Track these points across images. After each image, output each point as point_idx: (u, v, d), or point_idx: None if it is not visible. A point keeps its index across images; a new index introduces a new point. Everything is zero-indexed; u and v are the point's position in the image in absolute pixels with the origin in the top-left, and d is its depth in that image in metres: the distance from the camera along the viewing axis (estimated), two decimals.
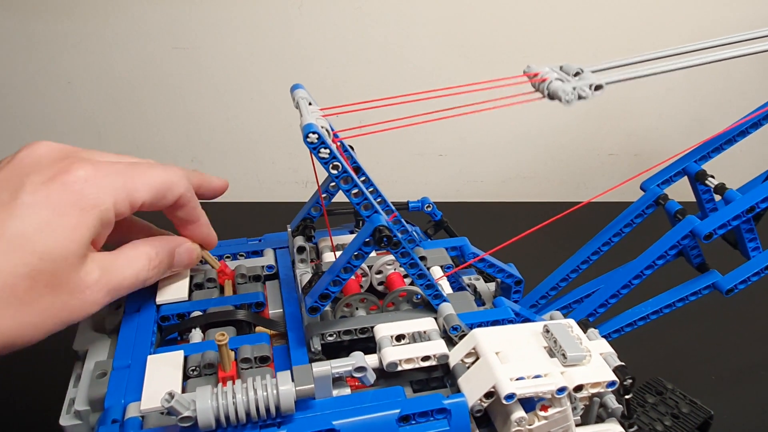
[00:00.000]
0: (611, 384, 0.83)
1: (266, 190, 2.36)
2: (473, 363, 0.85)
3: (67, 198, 0.79)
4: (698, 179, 1.23)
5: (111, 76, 2.15)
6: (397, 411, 0.78)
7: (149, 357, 0.88)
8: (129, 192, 0.86)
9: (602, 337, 0.92)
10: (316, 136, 0.80)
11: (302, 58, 2.11)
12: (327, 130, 0.83)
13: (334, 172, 0.83)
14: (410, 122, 0.99)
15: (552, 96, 0.97)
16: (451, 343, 0.89)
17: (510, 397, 0.77)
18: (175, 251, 0.99)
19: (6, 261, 0.75)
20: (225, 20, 2.06)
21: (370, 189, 1.02)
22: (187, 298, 1.01)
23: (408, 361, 0.85)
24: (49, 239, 0.77)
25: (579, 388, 0.81)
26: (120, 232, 0.91)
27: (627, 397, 0.86)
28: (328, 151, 0.81)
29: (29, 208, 0.77)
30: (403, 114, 0.99)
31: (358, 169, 1.01)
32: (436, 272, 1.08)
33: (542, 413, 0.80)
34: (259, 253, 1.14)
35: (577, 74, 0.99)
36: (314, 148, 0.81)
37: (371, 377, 0.82)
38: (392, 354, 0.85)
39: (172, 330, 0.97)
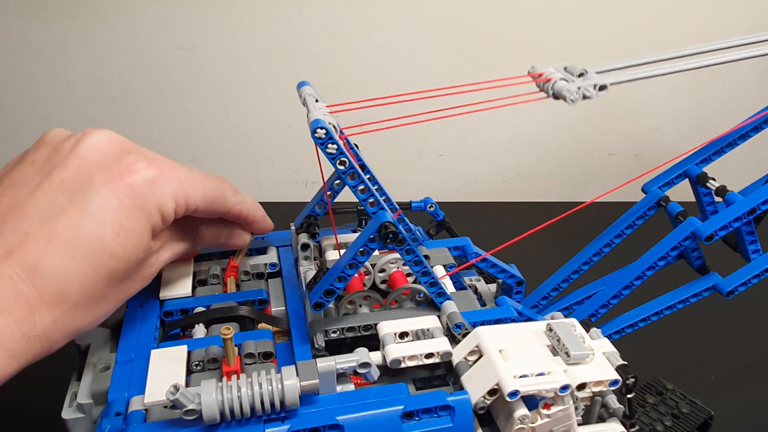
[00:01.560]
0: (614, 383, 0.83)
1: (266, 190, 2.35)
2: (476, 361, 0.85)
3: (135, 201, 0.82)
4: (699, 182, 1.24)
5: (111, 76, 2.15)
6: (401, 407, 0.78)
7: (153, 351, 0.88)
8: (187, 197, 0.88)
9: (603, 337, 0.93)
10: (324, 131, 0.80)
11: (302, 57, 2.12)
12: (334, 126, 0.84)
13: (341, 167, 0.84)
14: (413, 121, 1.00)
15: (557, 96, 0.97)
16: (454, 340, 0.90)
17: (513, 394, 0.77)
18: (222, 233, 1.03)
19: (88, 266, 0.78)
20: (225, 20, 2.06)
21: (375, 187, 1.02)
22: (190, 294, 1.02)
23: (411, 358, 0.85)
24: (123, 242, 0.80)
25: (582, 387, 0.82)
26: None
27: (629, 396, 0.86)
28: (335, 146, 0.81)
29: (101, 211, 0.79)
30: (404, 114, 0.99)
31: (363, 167, 1.02)
32: (439, 271, 1.08)
33: (545, 411, 0.80)
34: (262, 251, 1.15)
35: (581, 75, 1.00)
36: (322, 144, 0.81)
37: (375, 374, 0.82)
38: (396, 351, 0.86)
39: (175, 325, 0.98)
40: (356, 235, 1.13)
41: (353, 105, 0.96)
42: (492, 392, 0.80)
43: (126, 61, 2.12)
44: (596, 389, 0.83)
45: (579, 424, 0.85)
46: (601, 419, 0.87)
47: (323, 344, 0.90)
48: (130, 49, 2.10)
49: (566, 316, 1.03)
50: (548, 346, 0.86)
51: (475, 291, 1.18)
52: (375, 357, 0.86)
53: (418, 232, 1.18)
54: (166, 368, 0.85)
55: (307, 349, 0.91)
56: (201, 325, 0.96)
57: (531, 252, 1.37)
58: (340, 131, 0.92)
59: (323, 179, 1.02)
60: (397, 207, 1.07)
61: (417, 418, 0.79)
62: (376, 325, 0.91)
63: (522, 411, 0.79)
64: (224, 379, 0.76)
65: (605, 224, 1.29)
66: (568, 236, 1.51)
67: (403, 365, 0.85)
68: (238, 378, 0.75)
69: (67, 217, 0.78)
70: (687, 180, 1.26)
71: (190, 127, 2.25)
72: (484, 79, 1.02)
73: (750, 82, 2.20)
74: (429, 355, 0.86)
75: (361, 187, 0.87)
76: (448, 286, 1.06)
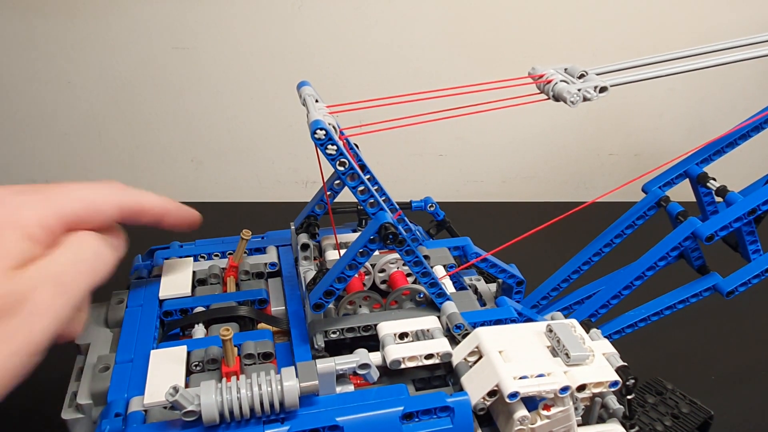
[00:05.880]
0: (614, 384, 0.83)
1: (266, 190, 2.36)
2: (476, 362, 0.85)
3: None
4: (700, 182, 1.24)
5: (111, 76, 2.15)
6: (401, 408, 0.78)
7: (152, 352, 0.88)
8: (54, 207, 0.78)
9: (603, 337, 0.92)
10: (323, 132, 0.80)
11: (302, 57, 2.12)
12: (334, 127, 0.83)
13: (341, 168, 0.84)
14: (413, 122, 1.00)
15: (557, 97, 0.98)
16: (454, 341, 0.90)
17: (513, 395, 0.77)
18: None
19: None
20: (225, 20, 2.06)
21: (375, 187, 1.02)
22: (190, 294, 1.02)
23: (411, 359, 0.85)
24: None
25: (582, 388, 0.81)
26: None
27: (629, 397, 0.86)
28: (335, 147, 0.81)
29: None
30: (404, 114, 0.99)
31: (363, 167, 1.02)
32: (439, 271, 1.08)
33: (545, 412, 0.80)
34: (261, 251, 1.15)
35: (581, 76, 1.00)
36: (321, 145, 0.81)
37: (374, 374, 0.82)
38: (396, 352, 0.85)
39: (174, 325, 0.98)
40: (356, 235, 1.13)
41: (353, 105, 0.96)
42: (492, 393, 0.80)
43: (126, 61, 2.12)
44: (596, 390, 0.82)
45: (579, 425, 0.85)
46: (601, 420, 0.87)
47: (323, 345, 0.90)
48: (130, 49, 2.10)
49: (566, 316, 1.03)
50: (548, 347, 0.86)
51: (475, 291, 1.18)
52: (375, 358, 0.85)
53: (418, 232, 1.18)
54: (165, 369, 0.85)
55: (306, 350, 0.91)
56: (201, 324, 0.96)
57: (531, 252, 1.37)
58: (340, 132, 0.92)
59: (323, 179, 1.02)
60: (397, 207, 1.07)
61: (417, 419, 0.79)
62: (375, 325, 0.91)
63: (522, 412, 0.79)
64: (224, 380, 0.76)
65: (605, 224, 1.29)
66: (569, 236, 1.52)
67: (402, 366, 0.85)
68: (238, 379, 0.75)
69: None
70: (687, 180, 1.26)
71: (190, 127, 2.25)
72: (484, 79, 1.02)
73: (750, 82, 2.20)
74: (429, 356, 0.86)
75: (361, 188, 0.87)
76: (448, 286, 1.06)
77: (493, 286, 1.21)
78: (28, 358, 0.70)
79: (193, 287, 1.05)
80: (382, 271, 1.00)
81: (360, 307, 0.95)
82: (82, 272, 0.77)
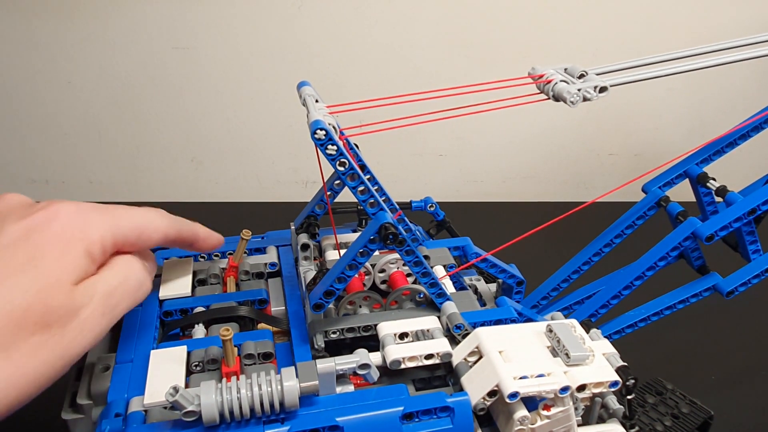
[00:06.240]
0: (614, 384, 0.83)
1: (266, 190, 2.36)
2: (476, 362, 0.85)
3: (49, 234, 0.76)
4: (699, 182, 1.24)
5: (111, 76, 2.15)
6: (401, 408, 0.78)
7: (152, 352, 0.88)
8: (113, 228, 0.81)
9: (603, 337, 0.92)
10: (323, 132, 0.80)
11: (302, 57, 2.12)
12: (334, 127, 0.83)
13: (341, 168, 0.84)
14: (413, 122, 1.00)
15: (557, 97, 0.98)
16: (454, 341, 0.89)
17: (513, 395, 0.77)
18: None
19: None
20: (225, 20, 2.06)
21: (375, 187, 1.03)
22: (190, 294, 1.02)
23: (411, 359, 0.85)
24: (33, 272, 0.72)
25: (582, 388, 0.81)
26: None
27: (629, 397, 0.86)
28: (335, 147, 0.81)
29: (9, 249, 0.73)
30: (404, 114, 0.99)
31: (363, 167, 1.02)
32: (439, 271, 1.08)
33: (545, 412, 0.80)
34: (261, 251, 1.15)
35: (581, 76, 1.00)
36: (321, 145, 0.81)
37: (375, 374, 0.82)
38: (396, 352, 0.85)
39: (174, 325, 0.98)
40: (356, 235, 1.13)
41: (353, 105, 0.96)
42: (492, 393, 0.80)
43: (126, 62, 2.12)
44: (596, 390, 0.82)
45: (579, 425, 0.85)
46: (601, 420, 0.87)
47: (323, 345, 0.90)
48: (130, 49, 2.10)
49: (566, 316, 1.03)
50: (548, 347, 0.86)
51: (475, 291, 1.18)
52: (375, 358, 0.85)
53: (418, 232, 1.18)
54: (165, 369, 0.85)
55: (306, 350, 0.91)
56: (201, 325, 0.96)
57: (531, 252, 1.37)
58: (340, 132, 0.92)
59: (323, 179, 1.02)
60: (397, 207, 1.07)
61: (417, 419, 0.79)
62: (376, 325, 0.91)
63: (522, 412, 0.79)
64: (224, 380, 0.76)
65: (605, 224, 1.29)
66: (568, 236, 1.52)
67: (402, 366, 0.85)
68: (238, 379, 0.75)
69: None
70: (687, 180, 1.26)
71: (190, 127, 2.25)
72: (484, 79, 1.02)
73: (750, 82, 2.20)
74: (429, 356, 0.86)
75: (361, 188, 0.87)
76: (449, 287, 1.06)
77: (493, 286, 1.21)
78: (62, 371, 0.74)
79: (193, 287, 1.05)
80: (382, 271, 1.00)
81: (360, 307, 0.95)
82: (126, 295, 0.81)
